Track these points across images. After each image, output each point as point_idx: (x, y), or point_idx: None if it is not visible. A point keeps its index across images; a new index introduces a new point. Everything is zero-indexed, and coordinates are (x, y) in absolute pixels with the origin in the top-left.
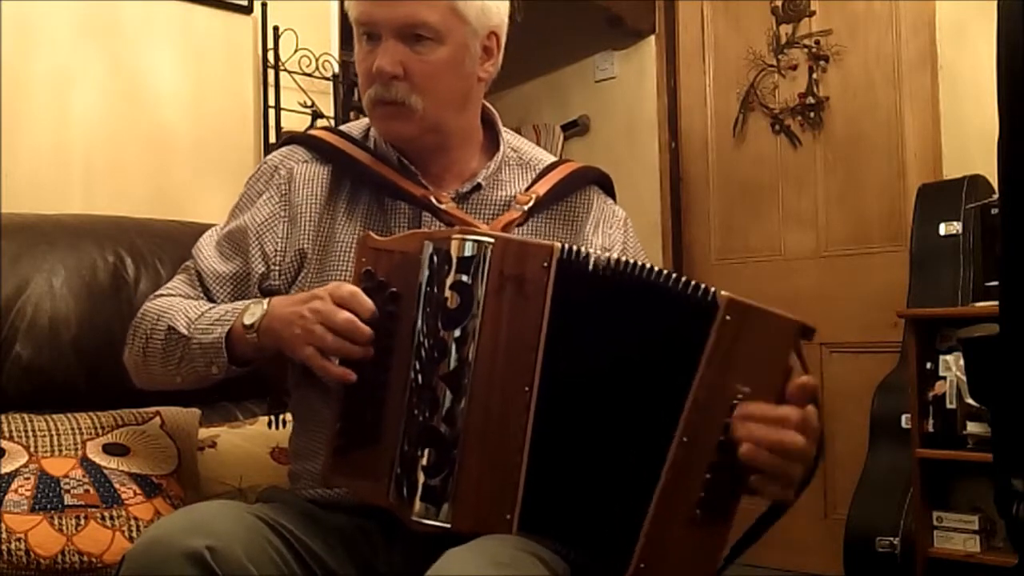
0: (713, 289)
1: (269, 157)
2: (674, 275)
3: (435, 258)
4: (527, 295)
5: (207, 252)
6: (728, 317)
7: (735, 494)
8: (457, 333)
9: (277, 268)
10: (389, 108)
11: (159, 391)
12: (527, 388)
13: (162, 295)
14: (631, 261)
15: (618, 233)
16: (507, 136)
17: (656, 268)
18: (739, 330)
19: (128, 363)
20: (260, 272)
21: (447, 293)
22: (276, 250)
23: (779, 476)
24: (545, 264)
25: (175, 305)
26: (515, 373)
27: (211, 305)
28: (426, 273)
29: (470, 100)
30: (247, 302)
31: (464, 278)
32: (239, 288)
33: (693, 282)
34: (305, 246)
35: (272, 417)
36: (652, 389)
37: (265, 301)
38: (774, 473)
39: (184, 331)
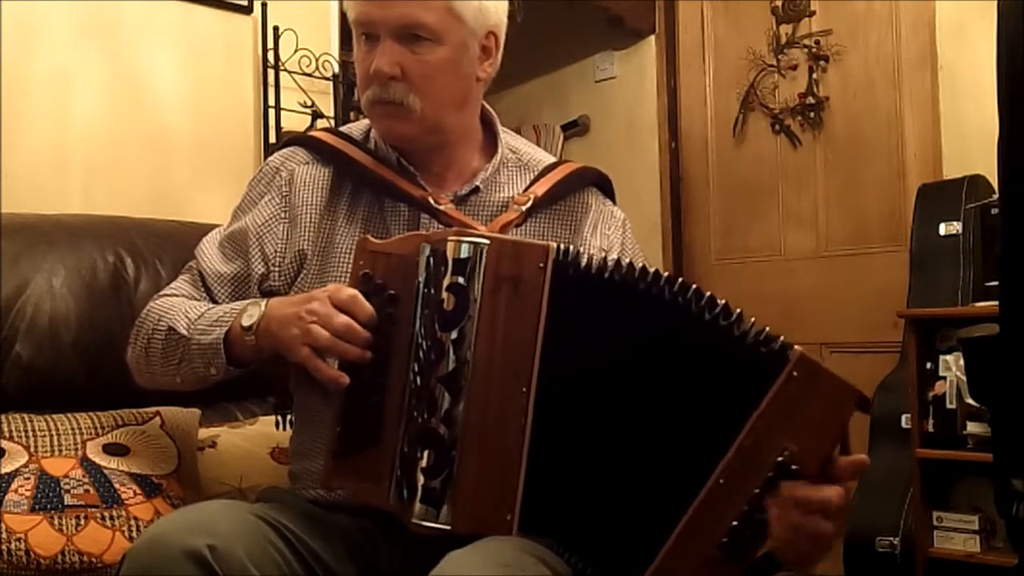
0: (781, 338)
1: (270, 159)
2: (734, 314)
3: (431, 260)
4: (523, 296)
5: (209, 253)
6: (795, 373)
7: (757, 546)
8: (454, 335)
9: (277, 269)
10: (388, 108)
11: (159, 391)
12: (525, 389)
13: (165, 295)
14: (631, 263)
15: (616, 234)
16: (506, 137)
17: (697, 289)
18: (803, 388)
19: (131, 362)
20: (260, 273)
21: (443, 295)
22: (276, 251)
23: (801, 558)
24: (541, 264)
25: (177, 306)
26: (512, 374)
27: (211, 306)
28: (423, 275)
29: (469, 100)
30: (245, 303)
31: (460, 280)
32: (240, 289)
33: (758, 327)
34: (305, 247)
35: (279, 417)
36: (679, 409)
37: (263, 302)
38: (797, 554)
39: (184, 332)
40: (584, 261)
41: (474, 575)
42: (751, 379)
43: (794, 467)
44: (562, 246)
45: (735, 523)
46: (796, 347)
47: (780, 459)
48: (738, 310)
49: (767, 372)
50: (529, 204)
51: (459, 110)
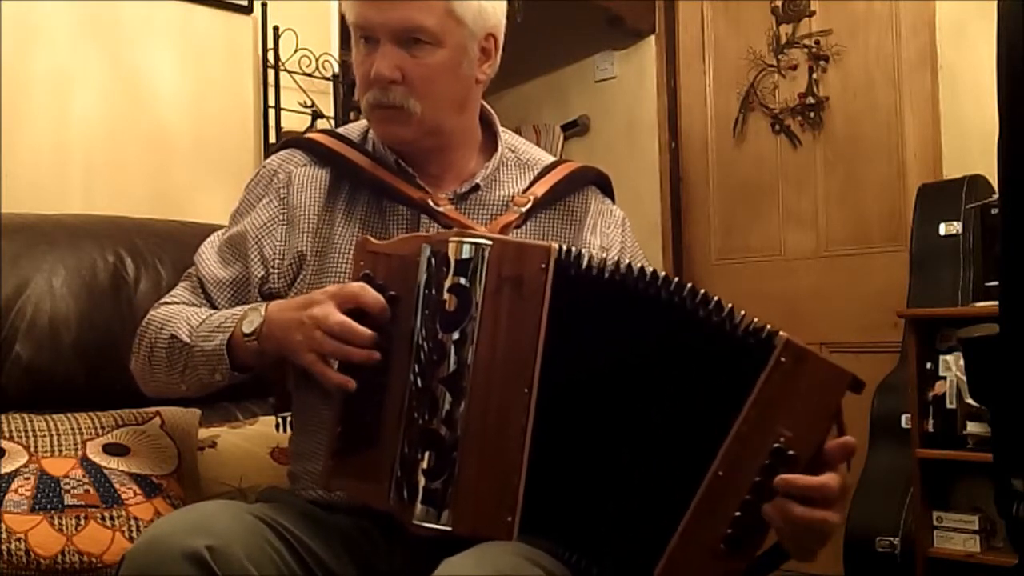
0: (768, 327)
1: (267, 161)
2: (720, 303)
3: (433, 261)
4: (525, 296)
5: (208, 258)
6: (783, 359)
7: (762, 535)
8: (456, 335)
9: (276, 271)
10: (388, 112)
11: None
12: (527, 390)
13: (166, 303)
14: (635, 265)
15: (616, 233)
16: (505, 136)
17: (689, 285)
18: (792, 374)
19: (135, 372)
20: (260, 276)
21: (445, 295)
22: (275, 254)
23: (804, 547)
24: (543, 265)
25: (178, 314)
26: (514, 375)
27: (212, 312)
28: (424, 276)
29: (469, 102)
30: (245, 308)
31: (462, 280)
32: (240, 293)
33: (742, 314)
34: (303, 249)
35: (279, 420)
36: (677, 406)
37: (262, 307)
38: (800, 544)
39: (187, 339)
40: (585, 261)
41: None
42: (742, 370)
43: (790, 452)
44: (564, 247)
45: (737, 514)
46: (782, 333)
47: (776, 445)
48: (729, 305)
49: (757, 361)
50: (529, 205)
51: (459, 112)
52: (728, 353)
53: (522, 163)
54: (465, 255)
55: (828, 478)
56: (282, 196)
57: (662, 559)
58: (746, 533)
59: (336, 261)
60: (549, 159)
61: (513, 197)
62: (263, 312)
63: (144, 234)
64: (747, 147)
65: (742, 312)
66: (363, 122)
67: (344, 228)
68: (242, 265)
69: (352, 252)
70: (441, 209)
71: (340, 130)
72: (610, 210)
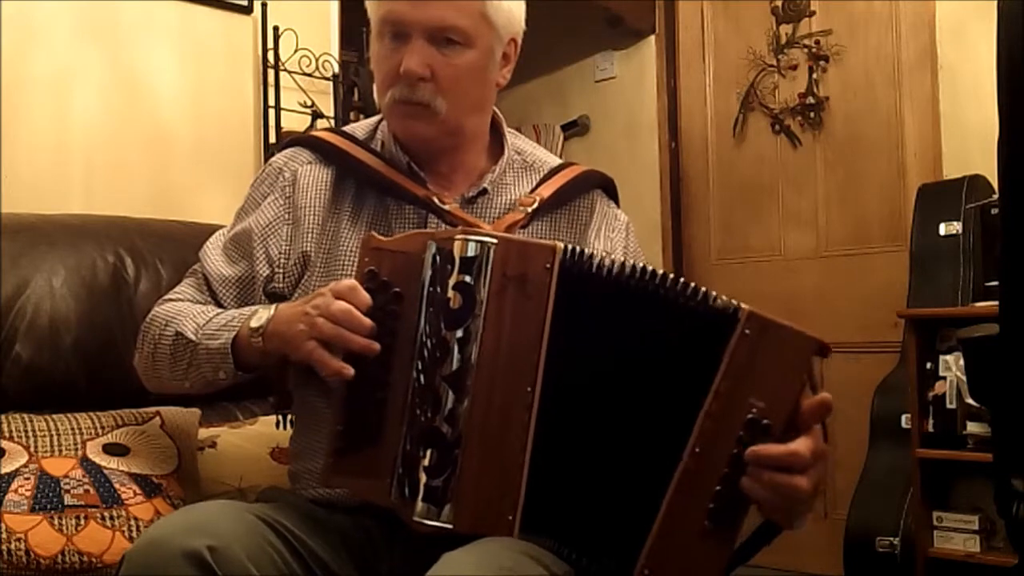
0: (734, 302)
1: (273, 159)
2: (690, 284)
3: (438, 258)
4: (529, 295)
5: (213, 255)
6: (747, 331)
7: (744, 507)
8: (459, 333)
9: (281, 271)
10: (412, 108)
11: (164, 393)
12: (529, 388)
13: (170, 299)
14: (636, 264)
15: (619, 237)
16: (511, 138)
17: (665, 274)
18: (757, 344)
19: (138, 367)
20: (265, 275)
21: (450, 293)
22: (280, 253)
23: (781, 512)
24: (548, 264)
25: (183, 310)
26: (517, 373)
27: (219, 311)
28: (429, 273)
29: (487, 104)
30: (255, 308)
31: (467, 278)
32: (244, 291)
33: (712, 293)
34: (308, 249)
35: (280, 417)
36: (663, 395)
37: (273, 307)
38: (780, 512)
39: (192, 337)
40: (590, 261)
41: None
42: (712, 346)
43: (764, 422)
44: (569, 246)
45: (718, 488)
46: (744, 306)
47: (749, 417)
48: (692, 284)
49: (724, 336)
50: (535, 206)
51: (477, 114)
52: (704, 333)
53: (528, 165)
54: (470, 253)
55: (798, 444)
56: (287, 195)
57: (647, 544)
58: (729, 506)
59: (343, 261)
60: (555, 161)
61: (519, 199)
62: (273, 310)
63: (144, 234)
64: (747, 147)
65: (703, 289)
66: (368, 121)
67: (351, 228)
68: (247, 263)
69: (357, 249)
70: (447, 207)
71: (346, 128)
72: (615, 214)
